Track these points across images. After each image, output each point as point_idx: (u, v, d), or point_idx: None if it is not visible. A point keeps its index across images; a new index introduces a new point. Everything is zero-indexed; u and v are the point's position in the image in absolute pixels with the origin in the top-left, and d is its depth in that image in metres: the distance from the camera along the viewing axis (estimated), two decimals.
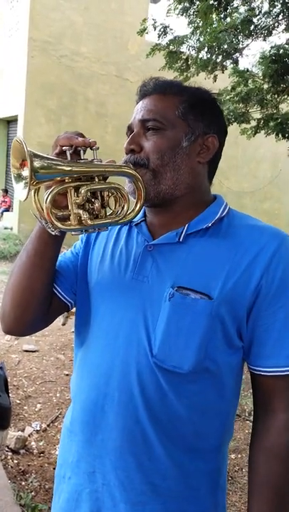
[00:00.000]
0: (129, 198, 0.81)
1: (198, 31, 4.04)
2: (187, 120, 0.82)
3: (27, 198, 0.70)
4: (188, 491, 0.81)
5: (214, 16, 3.81)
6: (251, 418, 2.95)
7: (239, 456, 2.61)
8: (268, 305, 0.77)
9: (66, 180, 0.73)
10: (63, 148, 0.73)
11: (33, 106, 8.68)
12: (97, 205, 0.77)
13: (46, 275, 0.84)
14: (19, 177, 0.72)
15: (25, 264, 0.83)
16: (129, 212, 0.81)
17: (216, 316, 0.76)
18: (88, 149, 0.76)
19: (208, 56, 4.07)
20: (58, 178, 0.72)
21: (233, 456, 2.59)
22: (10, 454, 2.39)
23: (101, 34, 9.21)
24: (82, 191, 0.74)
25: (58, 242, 0.82)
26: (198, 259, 0.80)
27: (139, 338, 0.79)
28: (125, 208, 0.81)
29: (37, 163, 0.68)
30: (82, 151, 0.75)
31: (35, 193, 0.73)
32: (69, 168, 0.72)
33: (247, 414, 3.05)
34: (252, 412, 2.94)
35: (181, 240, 0.81)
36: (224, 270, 0.77)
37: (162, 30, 4.24)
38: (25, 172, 0.69)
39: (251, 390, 0.85)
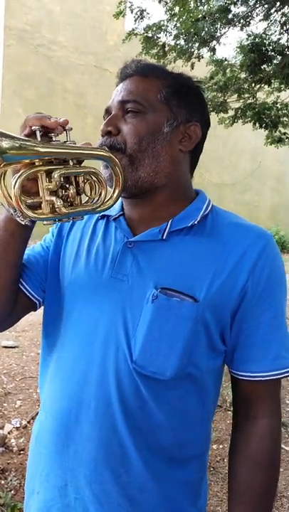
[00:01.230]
0: (106, 184, 0.75)
1: (174, 18, 3.99)
2: (170, 105, 0.77)
3: None
4: (168, 502, 0.77)
5: (192, 2, 3.76)
6: (232, 408, 2.98)
7: (221, 446, 2.62)
8: (253, 308, 0.74)
9: (36, 163, 0.66)
10: (32, 128, 0.67)
11: (10, 96, 8.48)
12: (72, 191, 0.70)
13: (11, 270, 0.77)
14: None
15: None
16: (107, 199, 0.75)
17: (200, 320, 0.72)
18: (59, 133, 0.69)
19: (185, 44, 4.03)
20: (27, 161, 0.65)
21: (214, 446, 2.61)
22: None
23: (79, 23, 9.04)
24: (56, 176, 0.67)
25: (26, 234, 0.75)
26: (182, 258, 0.75)
27: (117, 342, 0.73)
28: (102, 194, 0.74)
29: (5, 143, 0.61)
30: (53, 136, 0.69)
31: (0, 177, 0.66)
32: (41, 150, 0.65)
33: (228, 405, 3.07)
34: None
35: (164, 237, 0.76)
36: (210, 271, 0.73)
37: (139, 13, 4.16)
38: None
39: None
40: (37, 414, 2.72)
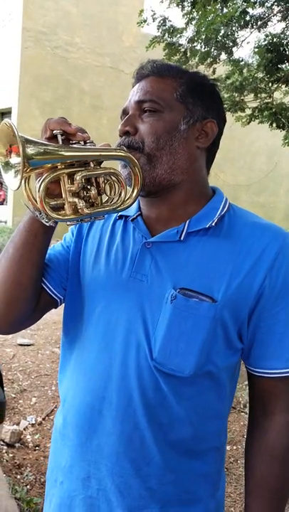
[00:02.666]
0: (126, 184, 0.76)
1: (193, 23, 4.00)
2: (186, 103, 0.78)
3: (19, 187, 0.65)
4: (187, 494, 0.79)
5: (211, 7, 3.76)
6: (246, 410, 2.96)
7: (234, 447, 2.62)
8: (270, 307, 0.75)
9: (59, 167, 0.68)
10: (54, 132, 0.68)
11: (27, 98, 8.59)
12: (93, 192, 0.72)
13: (35, 269, 0.79)
14: (7, 165, 0.66)
15: (12, 257, 0.77)
16: (127, 198, 0.76)
17: (218, 319, 0.73)
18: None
19: (206, 48, 4.04)
20: (49, 165, 0.68)
21: (228, 447, 2.61)
22: (5, 447, 2.38)
23: (95, 25, 9.10)
24: (78, 178, 0.69)
25: (49, 234, 0.77)
26: (200, 259, 0.76)
27: (138, 341, 0.75)
28: (122, 194, 0.75)
29: (30, 150, 0.63)
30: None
31: (25, 182, 0.68)
32: (66, 154, 0.67)
33: (242, 406, 3.06)
34: (247, 404, 2.94)
35: (182, 238, 0.77)
36: (227, 272, 0.74)
37: (161, 21, 4.20)
38: (15, 159, 0.65)
39: (246, 383, 0.84)
40: (52, 411, 2.74)
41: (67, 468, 0.83)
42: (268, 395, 0.79)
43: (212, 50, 4.01)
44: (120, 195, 0.76)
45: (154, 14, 4.27)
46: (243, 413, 2.99)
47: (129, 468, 0.77)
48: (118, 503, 0.77)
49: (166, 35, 4.22)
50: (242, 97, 4.30)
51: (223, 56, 4.14)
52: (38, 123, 8.53)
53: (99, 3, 9.05)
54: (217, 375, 0.77)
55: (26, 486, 2.07)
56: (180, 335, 0.73)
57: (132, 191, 0.76)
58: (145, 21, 4.35)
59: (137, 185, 0.75)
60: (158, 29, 4.32)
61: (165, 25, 4.22)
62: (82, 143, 0.71)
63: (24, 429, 2.58)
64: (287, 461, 0.77)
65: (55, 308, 0.90)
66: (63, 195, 0.70)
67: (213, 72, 4.11)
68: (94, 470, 0.79)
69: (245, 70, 4.28)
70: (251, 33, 3.88)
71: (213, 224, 0.78)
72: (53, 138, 0.69)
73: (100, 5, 9.06)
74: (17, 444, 2.42)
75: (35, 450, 2.42)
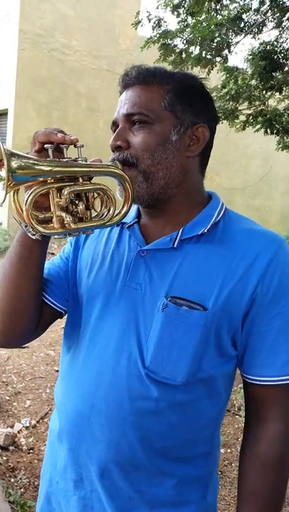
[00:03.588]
0: (115, 200, 0.77)
1: (187, 29, 4.00)
2: (174, 111, 0.77)
3: (4, 200, 0.65)
4: (177, 497, 0.79)
5: (204, 13, 3.78)
6: (240, 413, 2.97)
7: (228, 450, 2.62)
8: (263, 313, 0.75)
9: (48, 181, 0.68)
10: (45, 146, 0.68)
11: (23, 99, 8.57)
12: (81, 207, 0.72)
13: (33, 282, 0.79)
14: None
15: (9, 273, 0.77)
16: (115, 214, 0.77)
17: (210, 327, 0.74)
18: (72, 147, 0.71)
19: (200, 51, 4.04)
20: (41, 179, 0.68)
21: (222, 450, 2.61)
22: None
23: (92, 28, 9.11)
24: (65, 193, 0.69)
25: (43, 247, 0.77)
26: (192, 267, 0.76)
27: (130, 349, 0.76)
28: (111, 210, 0.76)
29: (14, 163, 0.63)
30: (64, 149, 0.70)
31: (14, 193, 0.68)
32: (49, 169, 0.66)
33: (236, 409, 3.07)
34: (241, 407, 2.96)
35: (175, 245, 0.78)
36: (219, 278, 0.75)
37: (157, 22, 4.19)
38: (2, 172, 0.65)
39: (241, 385, 0.85)
40: (46, 414, 2.74)
41: (61, 470, 0.85)
42: (261, 402, 0.79)
43: (206, 53, 4.01)
44: (109, 210, 0.76)
45: (150, 15, 4.25)
46: (237, 416, 2.99)
47: (117, 472, 0.78)
48: (108, 505, 0.79)
49: (158, 34, 4.21)
50: (237, 105, 4.31)
51: (217, 61, 4.15)
52: (34, 124, 8.51)
53: (96, 6, 9.06)
54: (211, 382, 0.78)
55: (20, 489, 2.06)
56: (172, 343, 0.74)
57: (122, 207, 0.77)
58: (139, 22, 4.33)
59: (127, 202, 0.76)
60: (153, 30, 4.30)
61: (160, 27, 4.20)
62: (72, 157, 0.71)
63: (18, 432, 2.57)
64: (279, 469, 0.77)
65: (61, 318, 0.91)
66: (52, 209, 0.70)
67: (208, 73, 4.11)
68: (86, 472, 0.81)
69: (239, 79, 4.29)
70: (241, 37, 3.90)
71: (205, 230, 0.78)
72: (42, 151, 0.69)
73: (97, 8, 9.08)
74: (11, 447, 2.41)
75: (29, 453, 2.41)
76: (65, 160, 0.70)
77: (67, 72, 9.00)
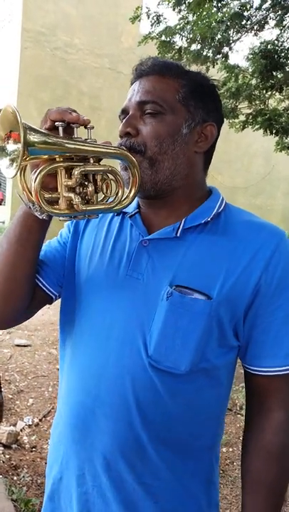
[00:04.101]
0: (124, 183, 0.75)
1: (188, 26, 3.99)
2: (187, 106, 0.77)
3: (15, 175, 0.62)
4: (182, 489, 0.79)
5: (205, 9, 3.77)
6: (242, 412, 2.97)
7: (230, 449, 2.62)
8: (266, 304, 0.75)
9: (57, 159, 0.66)
10: (56, 123, 0.66)
11: (25, 98, 8.58)
12: (90, 189, 0.70)
13: (29, 265, 0.78)
14: (2, 151, 0.63)
15: (6, 252, 0.77)
16: (123, 198, 0.74)
17: (214, 316, 0.74)
18: (81, 129, 0.69)
19: (200, 48, 4.03)
20: (46, 156, 0.65)
21: (224, 449, 2.61)
22: (2, 448, 2.37)
23: (95, 26, 9.11)
24: (76, 173, 0.67)
25: (43, 229, 0.76)
26: (196, 256, 0.76)
27: (133, 339, 0.75)
28: (120, 193, 0.74)
29: (32, 137, 0.60)
30: (75, 129, 0.68)
31: (21, 172, 0.66)
32: (68, 146, 0.64)
33: (238, 408, 3.07)
34: (243, 406, 2.96)
35: (178, 235, 0.77)
36: (223, 269, 0.75)
37: (156, 18, 4.17)
38: (12, 146, 0.62)
39: (242, 385, 0.85)
40: (49, 412, 2.75)
41: (64, 465, 0.84)
42: (265, 393, 0.79)
43: (207, 50, 4.00)
44: (117, 194, 0.74)
45: (149, 11, 4.23)
46: (239, 415, 2.99)
47: (123, 464, 0.77)
48: (114, 498, 0.78)
49: (159, 33, 4.19)
50: (237, 104, 4.31)
51: (218, 58, 4.14)
52: (36, 123, 8.45)
53: (98, 4, 9.06)
54: (213, 372, 0.77)
55: (23, 487, 2.07)
56: (176, 331, 0.73)
57: (130, 191, 0.75)
58: (137, 17, 4.30)
59: (135, 187, 0.74)
60: (151, 26, 4.28)
61: (159, 23, 4.18)
62: (83, 137, 0.69)
63: (21, 430, 2.58)
64: (283, 458, 0.77)
65: (50, 304, 0.89)
66: (59, 189, 0.68)
67: (207, 70, 4.11)
68: (88, 467, 0.80)
69: (240, 77, 4.29)
70: (244, 34, 3.89)
71: (208, 219, 0.78)
72: (53, 129, 0.67)
73: (100, 7, 9.07)
74: (14, 445, 2.42)
75: (31, 451, 2.41)
76: (77, 139, 0.68)
77: (69, 70, 9.00)
